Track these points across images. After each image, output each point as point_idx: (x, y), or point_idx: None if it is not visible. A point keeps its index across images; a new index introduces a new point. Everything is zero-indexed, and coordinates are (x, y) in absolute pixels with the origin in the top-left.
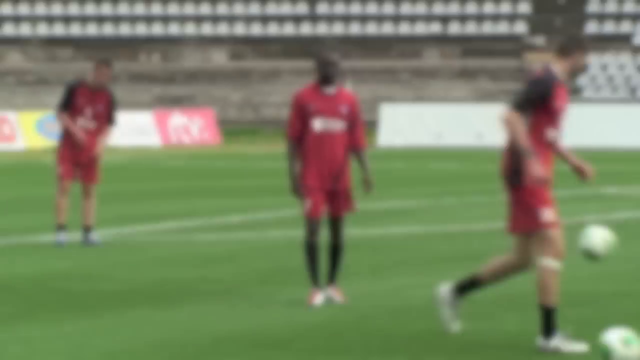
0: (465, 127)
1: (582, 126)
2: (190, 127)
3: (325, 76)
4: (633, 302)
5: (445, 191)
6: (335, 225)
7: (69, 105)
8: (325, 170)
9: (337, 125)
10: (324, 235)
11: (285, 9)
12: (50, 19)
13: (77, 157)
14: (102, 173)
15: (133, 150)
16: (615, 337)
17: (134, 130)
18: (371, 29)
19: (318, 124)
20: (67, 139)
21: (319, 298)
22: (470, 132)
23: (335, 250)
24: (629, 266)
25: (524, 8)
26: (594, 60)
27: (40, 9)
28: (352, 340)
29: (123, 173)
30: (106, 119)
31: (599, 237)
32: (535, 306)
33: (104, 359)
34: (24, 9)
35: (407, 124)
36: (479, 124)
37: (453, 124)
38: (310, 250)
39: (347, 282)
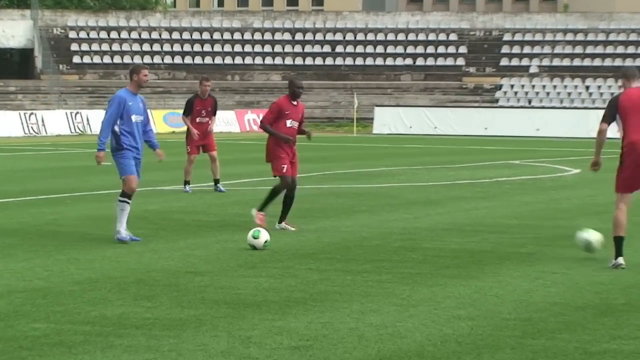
0: (426, 123)
1: None
2: (257, 121)
3: (296, 94)
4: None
5: (414, 161)
6: (294, 181)
7: (189, 111)
8: (290, 149)
9: (296, 124)
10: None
11: (317, 48)
12: (172, 53)
13: (198, 140)
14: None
15: (223, 135)
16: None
17: (222, 122)
18: (369, 61)
19: (288, 123)
20: (195, 126)
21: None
22: (429, 126)
23: (292, 198)
24: None
25: (463, 49)
26: None
27: (167, 47)
28: (355, 253)
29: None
30: (213, 114)
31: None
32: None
33: (204, 262)
34: (156, 47)
35: (391, 120)
36: (435, 120)
37: (419, 121)
38: (277, 193)
39: (353, 217)
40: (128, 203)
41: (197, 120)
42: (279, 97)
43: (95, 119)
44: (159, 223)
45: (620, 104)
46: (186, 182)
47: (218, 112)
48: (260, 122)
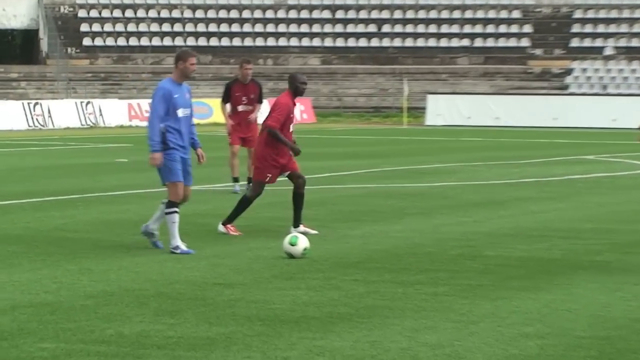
0: (486, 112)
1: None
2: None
3: (299, 92)
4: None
5: (472, 157)
6: (303, 177)
7: (227, 97)
8: (287, 152)
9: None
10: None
11: (360, 27)
12: (196, 34)
13: (239, 132)
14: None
15: None
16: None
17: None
18: (420, 42)
19: (291, 128)
20: (233, 120)
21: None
22: (490, 116)
23: (302, 196)
24: None
25: (527, 28)
26: None
27: (190, 27)
28: (407, 261)
29: None
30: (258, 101)
31: None
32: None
33: (234, 272)
34: (178, 27)
35: (446, 109)
36: (497, 110)
37: (478, 110)
38: (249, 203)
39: (404, 221)
40: (177, 213)
41: (239, 108)
42: (283, 91)
43: (108, 109)
44: (182, 228)
45: None
46: (235, 180)
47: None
48: (269, 125)
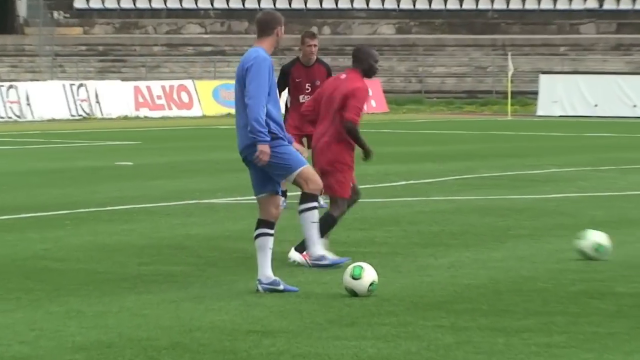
0: (620, 98)
1: None
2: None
3: (373, 72)
4: None
5: (601, 159)
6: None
7: (284, 84)
8: None
9: None
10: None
11: None
12: None
13: (299, 129)
14: None
15: None
16: None
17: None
18: (531, 4)
19: (302, 98)
20: (292, 111)
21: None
22: (625, 103)
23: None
24: None
25: None
26: None
27: None
28: (510, 301)
29: None
30: None
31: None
32: None
33: (276, 316)
34: None
35: (565, 94)
36: (634, 95)
37: (609, 95)
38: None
39: (506, 246)
40: (317, 208)
41: (301, 98)
42: (346, 71)
43: (108, 94)
44: (204, 255)
45: None
46: (282, 193)
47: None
48: (352, 120)
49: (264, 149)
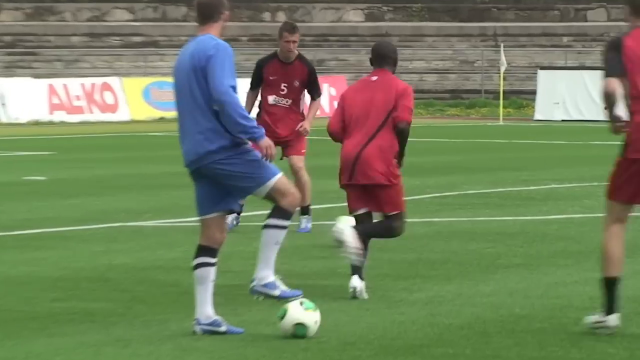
0: None
1: None
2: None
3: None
4: None
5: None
6: None
7: (257, 82)
8: None
9: None
10: None
11: None
12: None
13: (275, 134)
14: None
15: None
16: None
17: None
18: None
19: (272, 100)
20: (268, 115)
21: None
22: None
23: None
24: None
25: None
26: None
27: None
28: (501, 344)
29: None
30: (306, 90)
31: None
32: None
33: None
34: None
35: (568, 93)
36: None
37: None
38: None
39: (496, 278)
40: (287, 228)
41: (271, 100)
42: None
43: (16, 94)
44: (131, 290)
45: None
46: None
47: (239, 80)
48: (408, 121)
49: (267, 143)
